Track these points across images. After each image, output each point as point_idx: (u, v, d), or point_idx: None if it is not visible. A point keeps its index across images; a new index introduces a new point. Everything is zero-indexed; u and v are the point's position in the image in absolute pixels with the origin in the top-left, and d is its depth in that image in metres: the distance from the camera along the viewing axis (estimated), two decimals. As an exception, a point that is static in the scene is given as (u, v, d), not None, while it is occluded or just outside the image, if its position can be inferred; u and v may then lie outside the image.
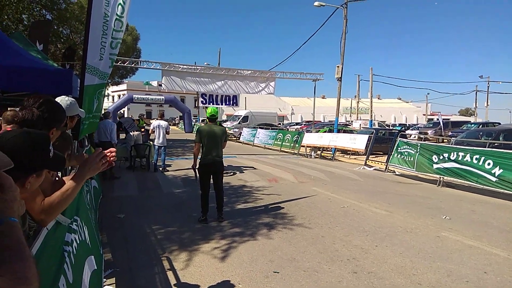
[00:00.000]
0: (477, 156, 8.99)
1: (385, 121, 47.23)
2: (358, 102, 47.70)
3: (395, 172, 12.07)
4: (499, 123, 27.89)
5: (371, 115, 38.66)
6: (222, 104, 18.54)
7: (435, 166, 10.18)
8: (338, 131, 18.42)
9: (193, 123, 36.88)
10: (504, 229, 5.93)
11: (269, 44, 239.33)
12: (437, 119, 30.59)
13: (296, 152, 17.99)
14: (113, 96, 62.66)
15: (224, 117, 48.44)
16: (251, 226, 5.85)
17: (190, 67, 18.19)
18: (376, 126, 31.59)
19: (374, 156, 14.86)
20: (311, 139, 17.63)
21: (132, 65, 19.16)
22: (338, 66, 17.48)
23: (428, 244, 5.11)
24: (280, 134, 20.73)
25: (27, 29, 11.89)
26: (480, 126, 26.38)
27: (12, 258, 0.91)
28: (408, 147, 11.59)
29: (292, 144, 18.75)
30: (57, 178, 2.10)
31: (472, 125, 28.11)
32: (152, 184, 9.50)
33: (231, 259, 4.50)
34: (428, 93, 61.20)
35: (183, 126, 38.46)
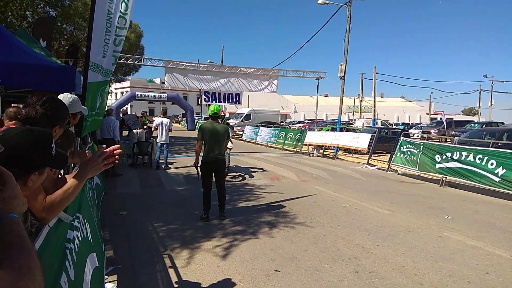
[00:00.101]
0: (480, 156, 8.95)
1: (388, 120, 46.99)
2: (361, 100, 47.50)
3: (397, 172, 12.04)
4: (503, 123, 27.76)
5: (374, 114, 38.52)
6: (224, 102, 18.54)
7: (438, 165, 10.15)
8: (341, 130, 18.38)
9: (195, 121, 36.92)
10: (507, 230, 5.91)
11: (272, 43, 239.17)
12: (440, 118, 30.49)
13: (299, 150, 17.97)
14: (116, 93, 62.82)
15: (227, 115, 48.50)
16: (253, 224, 5.86)
17: (193, 64, 18.20)
18: (379, 125, 31.47)
19: (376, 155, 14.83)
20: (313, 137, 17.61)
21: (135, 62, 19.20)
22: (341, 65, 17.43)
23: (430, 244, 5.10)
24: (283, 132, 20.71)
25: (31, 26, 11.94)
26: (484, 125, 26.27)
27: (14, 252, 0.92)
28: (411, 146, 11.56)
29: (294, 143, 18.73)
30: (59, 176, 2.11)
31: (476, 124, 27.99)
32: (155, 181, 9.52)
33: (233, 257, 4.51)
34: (431, 92, 61.44)
35: (185, 124, 38.52)
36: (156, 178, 9.86)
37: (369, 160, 13.92)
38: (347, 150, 16.71)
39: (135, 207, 6.77)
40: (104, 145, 1.92)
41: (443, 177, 9.92)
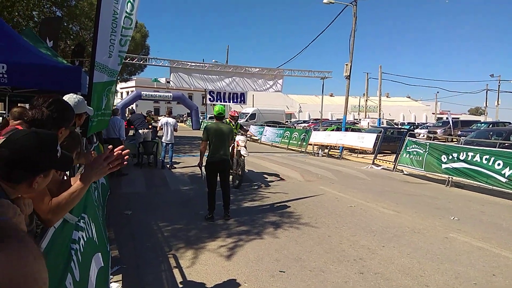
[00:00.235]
0: (487, 156, 8.88)
1: (393, 120, 46.74)
2: (366, 100, 47.33)
3: (403, 172, 11.98)
4: (510, 123, 27.56)
5: (380, 114, 38.34)
6: (229, 102, 18.58)
7: (444, 166, 10.08)
8: (346, 130, 18.33)
9: (200, 120, 36.98)
10: (513, 231, 5.86)
11: (277, 42, 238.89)
12: (447, 118, 30.28)
13: (303, 150, 17.94)
14: (121, 93, 63.07)
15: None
16: (258, 224, 5.86)
17: (198, 64, 18.25)
18: (385, 125, 31.32)
19: (382, 155, 14.75)
20: (318, 137, 17.56)
21: (141, 62, 19.30)
22: (346, 64, 17.39)
23: (436, 245, 5.06)
24: (288, 132, 20.68)
25: (38, 26, 12.03)
26: (490, 125, 26.03)
27: (8, 242, 0.93)
28: (417, 146, 11.50)
29: (299, 142, 18.69)
30: (65, 178, 2.12)
31: (482, 124, 27.74)
32: (160, 181, 9.55)
33: (237, 257, 4.51)
34: (437, 92, 60.88)
35: (190, 123, 38.60)
36: (161, 178, 9.89)
37: (375, 160, 13.86)
38: (352, 150, 16.65)
39: (140, 207, 6.80)
40: (110, 146, 1.90)
41: (449, 177, 9.85)
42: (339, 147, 16.45)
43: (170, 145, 11.27)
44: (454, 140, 20.58)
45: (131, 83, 57.70)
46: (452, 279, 4.00)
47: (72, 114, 2.33)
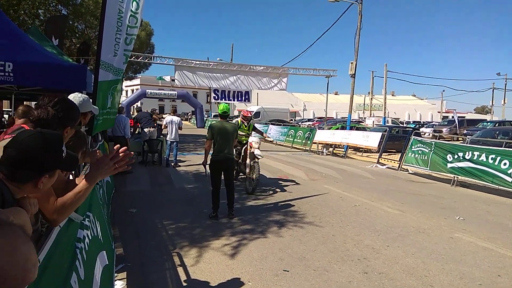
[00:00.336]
0: (493, 156, 8.81)
1: (398, 118, 46.49)
2: (371, 98, 47.18)
3: (408, 171, 11.92)
4: (516, 122, 27.26)
5: (385, 112, 38.16)
6: (234, 100, 18.60)
7: (449, 165, 10.02)
8: (351, 128, 18.25)
9: (205, 118, 37.02)
10: (519, 232, 5.81)
11: (282, 40, 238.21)
12: (452, 117, 30.10)
13: (308, 148, 17.90)
14: (126, 91, 63.32)
15: (236, 113, 48.56)
16: (262, 223, 5.86)
17: (202, 62, 18.26)
18: (390, 124, 31.16)
19: (387, 154, 14.68)
20: (323, 136, 17.52)
21: (146, 60, 19.35)
22: (352, 63, 17.30)
23: (441, 245, 5.04)
24: (292, 130, 20.65)
25: (43, 24, 12.08)
26: (497, 124, 25.79)
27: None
28: (422, 145, 11.43)
29: (303, 141, 18.66)
30: (70, 177, 2.13)
31: (488, 123, 27.49)
32: (164, 179, 9.58)
33: (241, 256, 4.51)
34: (443, 90, 60.36)
35: (195, 121, 38.66)
36: (166, 176, 9.92)
37: (379, 159, 13.80)
38: (357, 149, 16.61)
39: (145, 205, 6.82)
40: (118, 145, 1.90)
41: (454, 177, 9.79)
42: (343, 146, 16.40)
43: (174, 143, 11.28)
44: (459, 139, 20.46)
45: (136, 81, 57.92)
46: (457, 279, 3.98)
47: (77, 113, 2.34)
